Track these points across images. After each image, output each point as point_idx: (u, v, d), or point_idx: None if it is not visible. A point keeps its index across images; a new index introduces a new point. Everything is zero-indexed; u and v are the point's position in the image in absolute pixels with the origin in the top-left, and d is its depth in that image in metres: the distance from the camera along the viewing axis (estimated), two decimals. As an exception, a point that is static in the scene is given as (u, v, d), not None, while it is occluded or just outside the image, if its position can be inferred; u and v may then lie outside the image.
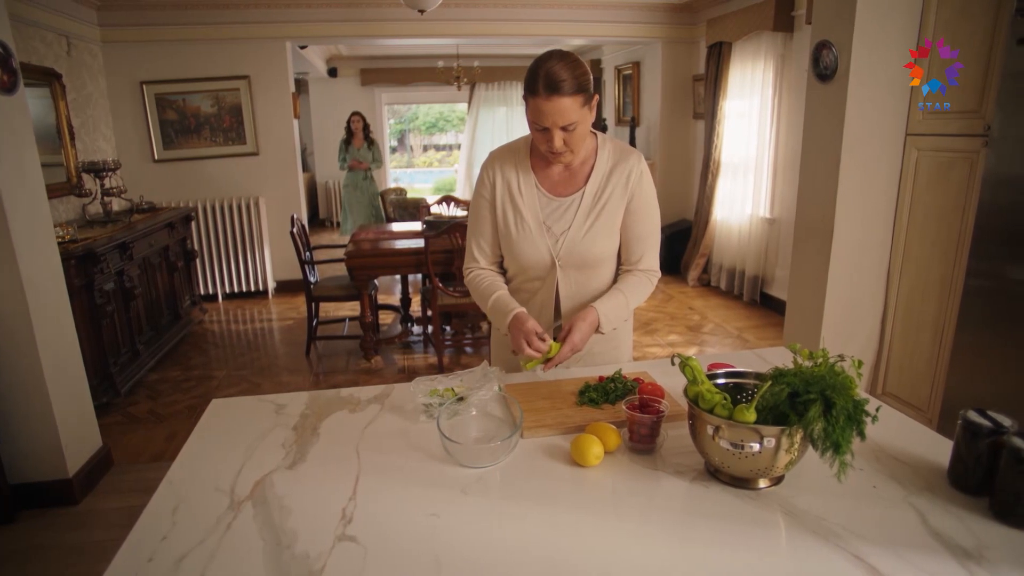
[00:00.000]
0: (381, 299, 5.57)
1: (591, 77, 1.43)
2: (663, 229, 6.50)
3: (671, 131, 6.39)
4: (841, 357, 1.12)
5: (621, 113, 7.48)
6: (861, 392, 1.12)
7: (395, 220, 7.58)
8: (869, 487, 1.13)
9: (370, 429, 1.42)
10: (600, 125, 7.90)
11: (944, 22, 2.64)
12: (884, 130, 2.85)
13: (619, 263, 1.66)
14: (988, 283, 2.48)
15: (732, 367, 1.37)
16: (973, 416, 1.12)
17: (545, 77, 1.37)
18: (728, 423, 1.06)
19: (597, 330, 1.55)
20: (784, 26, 4.53)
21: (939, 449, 1.25)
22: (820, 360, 1.12)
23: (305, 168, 10.32)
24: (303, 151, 10.30)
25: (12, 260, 2.38)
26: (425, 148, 17.47)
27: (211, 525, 1.08)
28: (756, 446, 1.04)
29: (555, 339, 1.63)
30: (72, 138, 4.34)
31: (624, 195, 1.55)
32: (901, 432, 1.34)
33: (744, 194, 5.29)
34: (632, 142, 6.73)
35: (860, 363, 1.12)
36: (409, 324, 5.04)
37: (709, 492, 1.13)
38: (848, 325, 3.07)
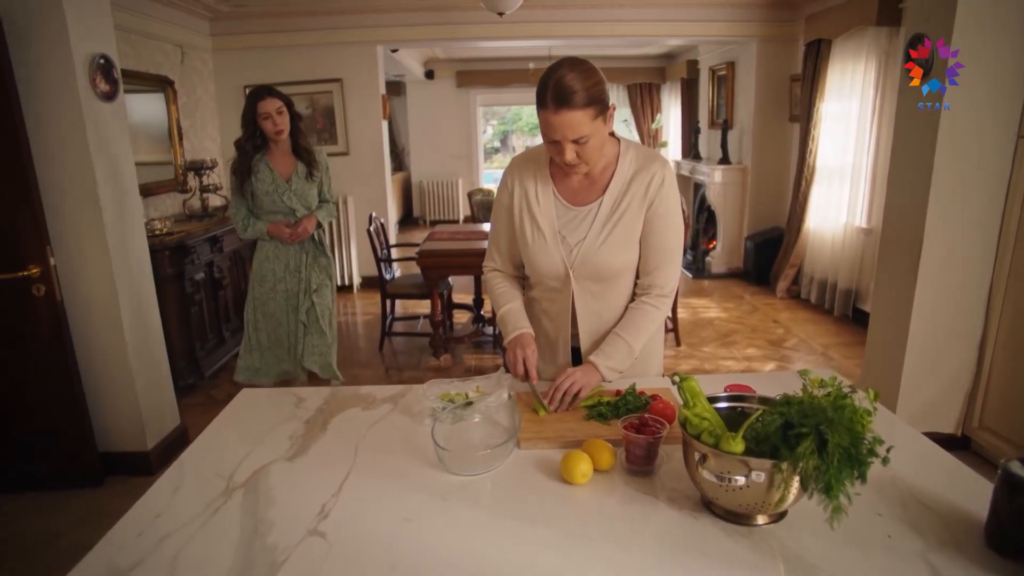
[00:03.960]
0: (458, 298, 5.66)
1: (605, 87, 1.36)
2: (753, 236, 6.20)
3: (765, 134, 6.05)
4: (853, 388, 1.00)
5: (714, 115, 7.18)
6: (876, 428, 1.00)
7: (481, 221, 7.70)
8: (883, 535, 1.01)
9: (376, 428, 1.44)
10: (694, 127, 7.62)
11: (1065, 10, 2.32)
12: (989, 132, 2.54)
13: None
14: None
15: (751, 391, 1.27)
16: (1015, 467, 0.97)
17: (554, 88, 1.31)
18: (714, 452, 0.98)
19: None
20: (889, 20, 4.15)
21: (984, 501, 1.09)
22: (831, 389, 1.02)
23: (401, 168, 10.71)
24: (400, 151, 10.71)
25: (104, 250, 2.63)
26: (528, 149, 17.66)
27: (200, 509, 1.14)
28: (741, 479, 0.95)
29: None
30: (181, 139, 4.74)
31: (643, 204, 1.47)
32: (941, 475, 1.19)
33: (839, 202, 4.91)
34: (723, 145, 6.44)
35: (876, 395, 1.00)
36: (481, 324, 5.08)
37: (697, 524, 1.05)
38: (937, 349, 2.77)
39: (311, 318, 2.95)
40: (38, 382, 2.62)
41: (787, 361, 4.19)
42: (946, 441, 2.80)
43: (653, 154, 1.52)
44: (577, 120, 1.31)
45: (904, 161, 2.78)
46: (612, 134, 1.54)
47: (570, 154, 1.36)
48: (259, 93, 2.73)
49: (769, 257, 5.93)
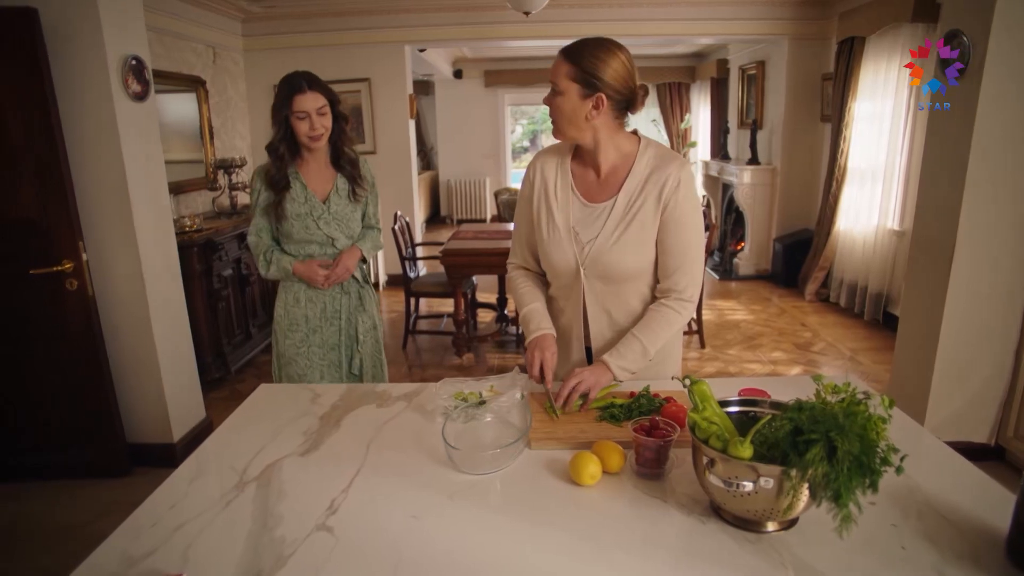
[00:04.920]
0: (482, 297, 5.67)
1: (609, 71, 1.37)
2: (782, 238, 6.10)
3: (795, 134, 5.94)
4: (868, 395, 0.98)
5: (744, 115, 7.07)
6: (896, 436, 0.98)
7: (507, 220, 7.70)
8: (897, 546, 0.98)
9: (388, 426, 1.45)
10: (723, 127, 7.52)
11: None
12: (1026, 133, 2.46)
13: (656, 280, 1.55)
14: None
15: (766, 395, 1.25)
16: (1038, 478, 0.93)
17: (575, 42, 1.41)
18: (721, 457, 0.97)
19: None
20: (925, 15, 4.04)
21: (1008, 513, 1.05)
22: (845, 395, 0.99)
23: (429, 167, 10.77)
24: (428, 150, 10.77)
25: (134, 246, 2.70)
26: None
27: (214, 500, 1.16)
28: (749, 485, 0.94)
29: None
30: (212, 137, 4.84)
31: (658, 205, 1.45)
32: (963, 486, 1.15)
33: (871, 203, 4.80)
34: (753, 146, 6.34)
35: (891, 402, 0.97)
36: (504, 323, 5.09)
37: (705, 530, 1.04)
38: (969, 355, 2.68)
39: (361, 374, 2.31)
40: (69, 374, 2.70)
41: (814, 365, 4.11)
42: (979, 451, 2.72)
43: (672, 155, 1.49)
44: (558, 67, 1.40)
45: (937, 161, 2.70)
46: (635, 132, 1.53)
47: (548, 96, 1.44)
48: (297, 83, 1.97)
49: (798, 259, 5.82)
